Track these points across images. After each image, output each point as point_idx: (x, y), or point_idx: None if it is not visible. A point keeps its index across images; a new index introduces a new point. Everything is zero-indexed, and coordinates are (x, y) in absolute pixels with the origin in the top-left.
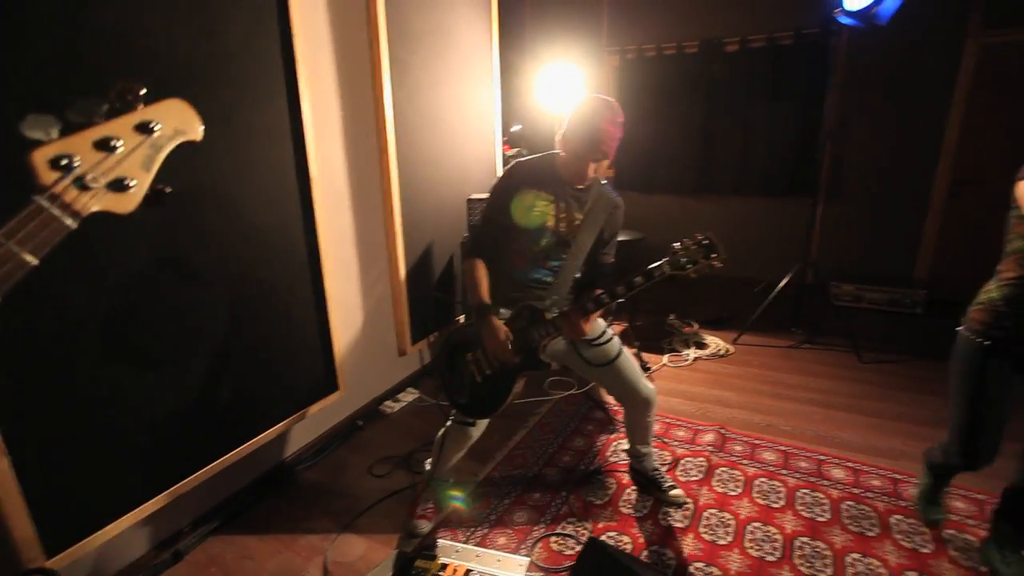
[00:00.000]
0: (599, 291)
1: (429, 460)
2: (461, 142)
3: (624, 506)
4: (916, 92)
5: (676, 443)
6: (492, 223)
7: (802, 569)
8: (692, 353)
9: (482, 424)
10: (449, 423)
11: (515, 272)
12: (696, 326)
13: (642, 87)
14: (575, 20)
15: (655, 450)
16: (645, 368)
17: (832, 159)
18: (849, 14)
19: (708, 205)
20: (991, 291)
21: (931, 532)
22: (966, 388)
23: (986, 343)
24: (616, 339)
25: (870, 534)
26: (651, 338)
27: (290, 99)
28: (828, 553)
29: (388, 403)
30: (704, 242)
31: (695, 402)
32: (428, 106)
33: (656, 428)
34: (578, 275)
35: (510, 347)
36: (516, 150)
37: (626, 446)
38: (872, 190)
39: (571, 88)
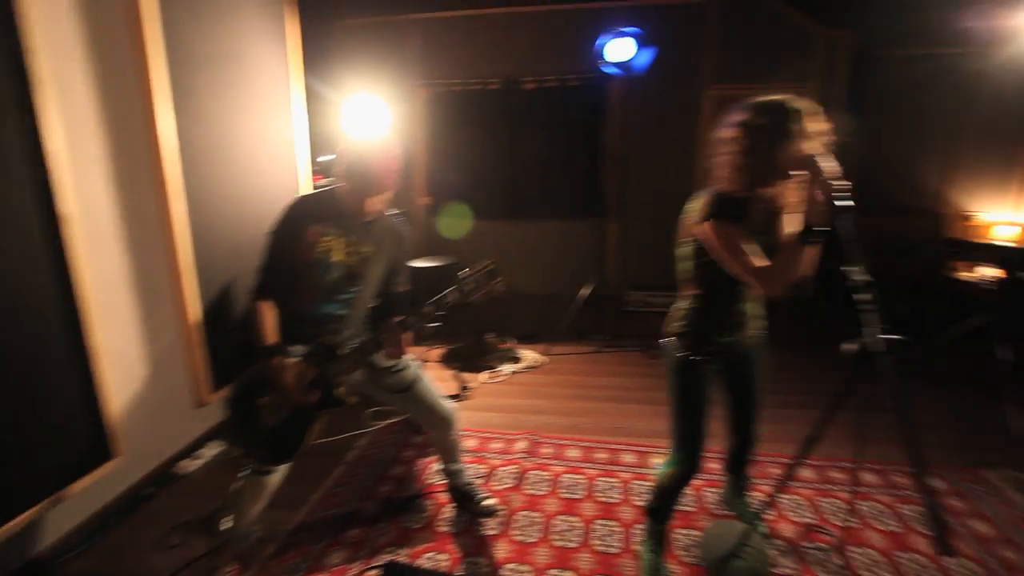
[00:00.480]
0: (399, 318)
1: (231, 518)
2: (262, 173)
3: (442, 525)
4: (672, 129)
5: (492, 455)
6: (276, 261)
7: (598, 548)
8: (509, 368)
9: (282, 469)
10: (245, 473)
11: (306, 308)
12: (512, 342)
13: (452, 119)
14: (385, 52)
15: (467, 465)
16: (465, 388)
17: (618, 184)
18: (611, 64)
19: (517, 229)
20: (692, 316)
21: (692, 488)
22: (681, 403)
23: (698, 358)
24: (414, 365)
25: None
26: (470, 358)
27: (26, 127)
28: (619, 528)
29: (185, 462)
30: (488, 268)
31: (510, 414)
32: (221, 136)
33: (472, 444)
34: (373, 306)
35: (303, 387)
36: (328, 180)
37: (441, 466)
38: (651, 210)
39: (382, 117)
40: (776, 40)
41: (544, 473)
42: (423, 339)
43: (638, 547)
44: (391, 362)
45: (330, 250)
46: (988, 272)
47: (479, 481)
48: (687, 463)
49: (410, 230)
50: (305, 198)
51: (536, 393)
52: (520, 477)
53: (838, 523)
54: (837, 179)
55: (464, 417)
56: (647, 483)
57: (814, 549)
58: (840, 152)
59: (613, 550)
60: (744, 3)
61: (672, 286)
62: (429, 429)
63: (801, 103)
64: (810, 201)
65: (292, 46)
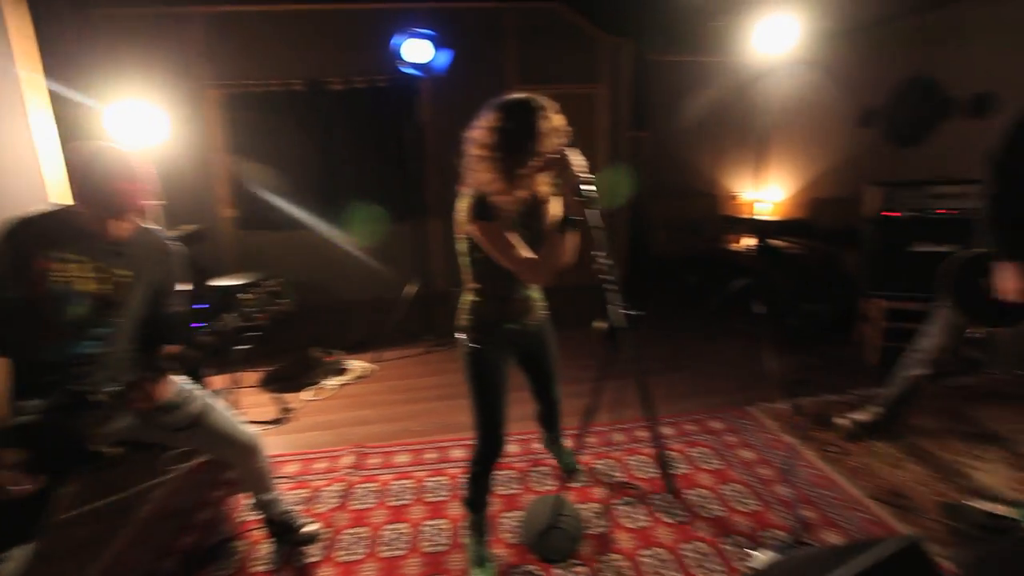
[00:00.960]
0: (170, 349)
1: None
2: None
3: (258, 565)
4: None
5: (315, 476)
6: None
7: (427, 550)
8: (335, 382)
9: (20, 554)
10: None
11: (42, 352)
12: (339, 354)
13: (253, 123)
14: (160, 49)
15: (283, 493)
16: (286, 410)
17: (438, 184)
18: (410, 65)
19: (335, 236)
20: (475, 308)
21: (518, 472)
22: (478, 388)
23: (486, 347)
24: (199, 394)
25: None
26: (290, 377)
27: None
28: (448, 526)
29: None
30: (272, 288)
31: (335, 429)
32: None
33: (293, 469)
34: (138, 337)
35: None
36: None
37: (252, 500)
38: None
39: (160, 123)
40: (569, 45)
41: (371, 485)
42: (197, 369)
43: (465, 540)
44: (169, 397)
45: (70, 279)
46: (750, 242)
47: (299, 508)
48: (488, 446)
49: (178, 247)
50: (25, 221)
51: (364, 403)
52: (346, 494)
53: (643, 476)
54: (583, 171)
55: (285, 442)
56: None
57: (623, 504)
58: (633, 146)
59: (441, 548)
60: (538, 11)
61: None
62: (231, 462)
63: (543, 100)
64: (563, 193)
65: (17, 35)
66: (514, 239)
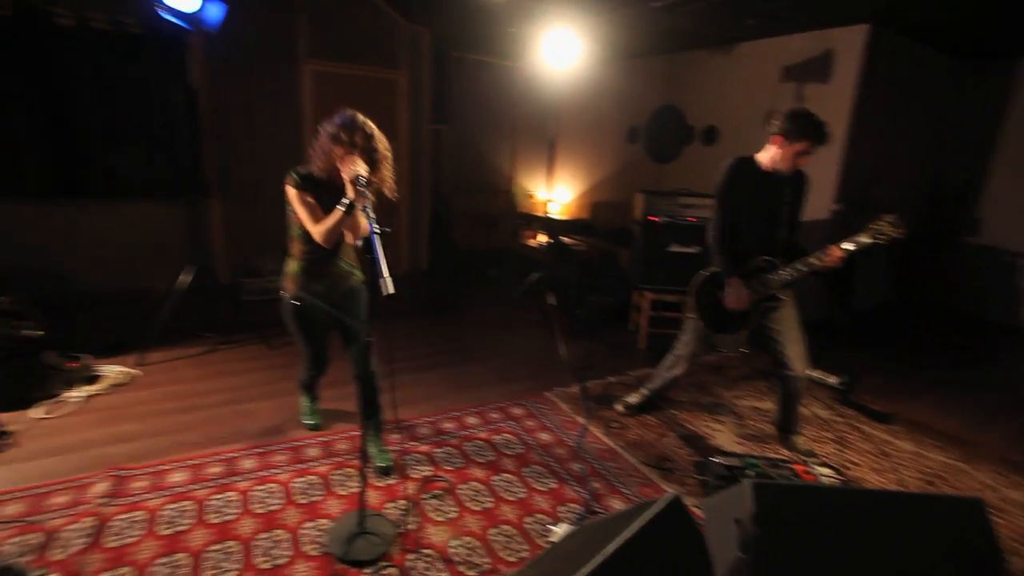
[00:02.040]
0: None
1: None
2: None
3: None
4: (273, 100)
5: (52, 515)
6: None
7: None
8: (82, 393)
9: None
10: None
11: None
12: (85, 359)
13: None
14: None
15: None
16: (3, 434)
17: (216, 159)
18: (174, 14)
19: (80, 211)
20: (293, 266)
21: (321, 476)
22: (298, 332)
23: (299, 303)
24: None
25: (275, 507)
26: (11, 391)
27: None
28: (236, 547)
29: None
30: None
31: (82, 452)
32: None
33: (16, 510)
34: None
35: None
36: None
37: None
38: (262, 188)
39: None
40: (368, 25)
41: (136, 513)
42: None
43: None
44: None
45: None
46: (543, 238)
47: (24, 559)
48: (307, 371)
49: None
50: None
51: (122, 417)
52: (98, 530)
53: (450, 467)
54: (359, 177)
55: (5, 475)
56: (266, 486)
57: (431, 498)
58: (434, 139)
59: (231, 573)
60: None
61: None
62: None
63: (367, 123)
64: (349, 183)
65: None
66: (315, 208)
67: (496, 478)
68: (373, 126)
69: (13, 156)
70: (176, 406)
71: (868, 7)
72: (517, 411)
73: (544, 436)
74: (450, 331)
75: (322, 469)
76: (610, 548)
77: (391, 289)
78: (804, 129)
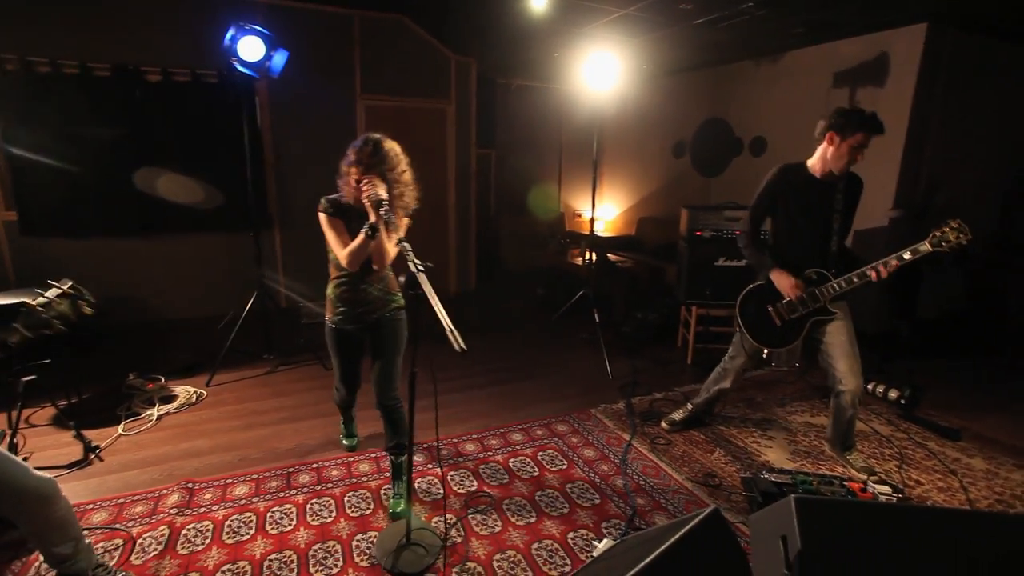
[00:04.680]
0: None
1: None
2: None
3: None
4: (329, 134)
5: (131, 523)
6: None
7: None
8: (156, 411)
9: None
10: None
11: None
12: (162, 380)
13: (41, 108)
14: None
15: (84, 546)
16: (93, 448)
17: (278, 191)
18: (244, 65)
19: (158, 245)
20: (329, 290)
21: (371, 491)
22: (332, 353)
23: (333, 325)
24: None
25: (328, 519)
26: (99, 410)
27: None
28: (293, 556)
29: None
30: (65, 292)
31: (158, 466)
32: None
33: (102, 517)
34: None
35: None
36: None
37: (48, 559)
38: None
39: None
40: (418, 59)
41: (204, 523)
42: (12, 398)
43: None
44: None
45: None
46: (590, 256)
47: (111, 562)
48: (340, 389)
49: None
50: None
51: (192, 434)
52: (171, 537)
53: (495, 483)
54: (379, 200)
55: (91, 487)
56: (321, 499)
57: (476, 512)
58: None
59: None
60: (386, 22)
61: None
62: (19, 519)
63: (387, 143)
64: (370, 207)
65: None
66: (344, 235)
67: (540, 493)
68: (389, 145)
69: (105, 197)
70: (240, 423)
71: (924, 7)
72: (562, 428)
73: (588, 452)
74: (499, 350)
75: (372, 484)
76: (648, 559)
77: (462, 346)
78: (857, 121)
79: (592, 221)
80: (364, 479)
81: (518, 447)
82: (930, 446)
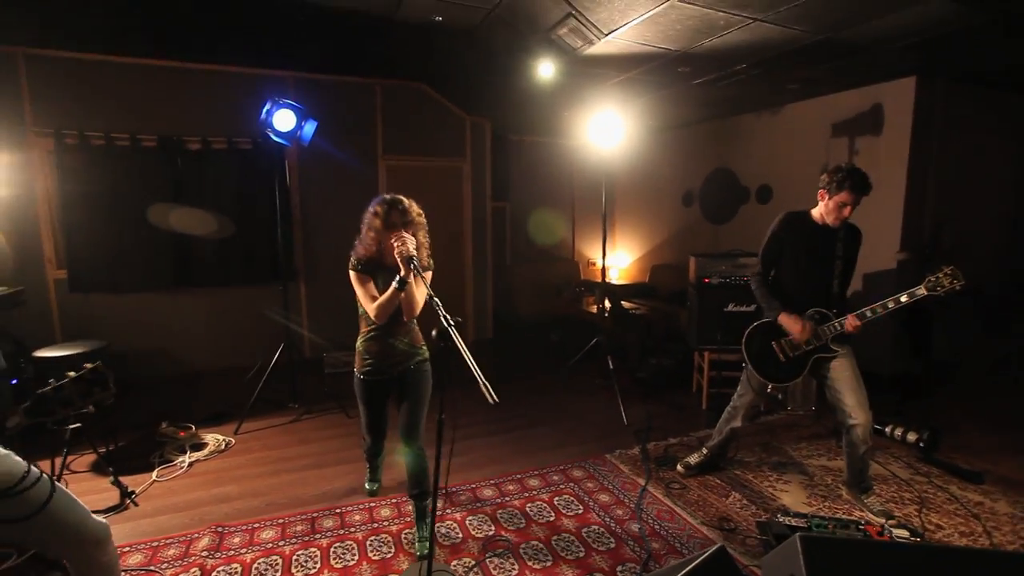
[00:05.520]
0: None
1: None
2: None
3: None
4: (352, 192)
5: (165, 565)
6: None
7: None
8: (188, 458)
9: None
10: None
11: None
12: (193, 428)
13: (92, 177)
14: None
15: None
16: (129, 494)
17: (303, 247)
18: (278, 134)
19: (191, 299)
20: (358, 343)
21: (392, 535)
22: (360, 403)
23: (362, 376)
24: (43, 476)
25: (351, 563)
26: (134, 456)
27: None
28: None
29: None
30: (87, 375)
31: (189, 511)
32: None
33: (137, 560)
34: None
35: None
36: None
37: None
38: (341, 271)
39: None
40: (433, 122)
41: (233, 566)
42: (58, 445)
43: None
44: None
45: None
46: (604, 304)
47: None
48: (367, 438)
49: None
50: None
51: (222, 480)
52: None
53: (512, 528)
54: (407, 253)
55: (127, 530)
56: (344, 543)
57: (493, 556)
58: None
59: None
60: (406, 89)
61: None
62: (71, 558)
63: (405, 200)
64: (402, 262)
65: None
66: (372, 289)
67: (556, 538)
68: (405, 199)
69: (144, 255)
70: (266, 470)
71: (908, 63)
72: (578, 473)
73: (604, 497)
74: (515, 397)
75: (394, 528)
76: None
77: (494, 398)
78: (841, 181)
79: (603, 269)
80: (386, 523)
81: (535, 492)
82: (951, 490)
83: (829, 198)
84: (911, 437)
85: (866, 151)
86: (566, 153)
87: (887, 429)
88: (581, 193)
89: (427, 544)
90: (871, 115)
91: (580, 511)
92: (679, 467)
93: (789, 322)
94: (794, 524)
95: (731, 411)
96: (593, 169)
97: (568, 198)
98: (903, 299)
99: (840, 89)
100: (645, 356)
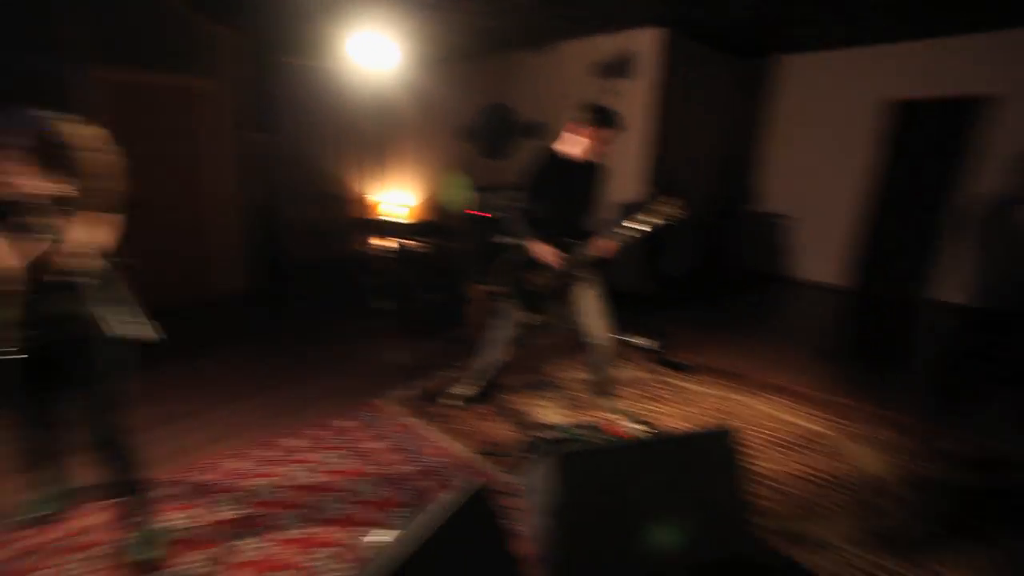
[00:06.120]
0: None
1: None
2: None
3: None
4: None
5: None
6: None
7: None
8: None
9: None
10: None
11: None
12: None
13: None
14: None
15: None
16: None
17: None
18: None
19: None
20: None
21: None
22: None
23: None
24: None
25: None
26: None
27: None
28: None
29: None
30: None
31: None
32: None
33: None
34: None
35: None
36: None
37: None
38: None
39: None
40: (170, 29)
41: None
42: None
43: None
44: None
45: None
46: (384, 243)
47: None
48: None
49: None
50: None
51: None
52: None
53: (272, 499)
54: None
55: None
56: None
57: (236, 539)
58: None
59: None
60: None
61: None
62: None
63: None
64: None
65: None
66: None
67: (323, 497)
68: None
69: None
70: None
71: (649, 11)
72: (348, 424)
73: (374, 444)
74: (284, 351)
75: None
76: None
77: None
78: (608, 118)
79: (384, 207)
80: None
81: (300, 453)
82: (674, 383)
83: (594, 133)
84: (643, 343)
85: (623, 93)
86: (345, 81)
87: (629, 339)
88: (355, 126)
89: (149, 545)
90: (625, 60)
91: (353, 464)
92: (449, 401)
93: (547, 252)
94: (554, 438)
95: (490, 344)
96: (368, 101)
97: (346, 132)
98: (633, 225)
99: (598, 32)
100: (423, 294)
